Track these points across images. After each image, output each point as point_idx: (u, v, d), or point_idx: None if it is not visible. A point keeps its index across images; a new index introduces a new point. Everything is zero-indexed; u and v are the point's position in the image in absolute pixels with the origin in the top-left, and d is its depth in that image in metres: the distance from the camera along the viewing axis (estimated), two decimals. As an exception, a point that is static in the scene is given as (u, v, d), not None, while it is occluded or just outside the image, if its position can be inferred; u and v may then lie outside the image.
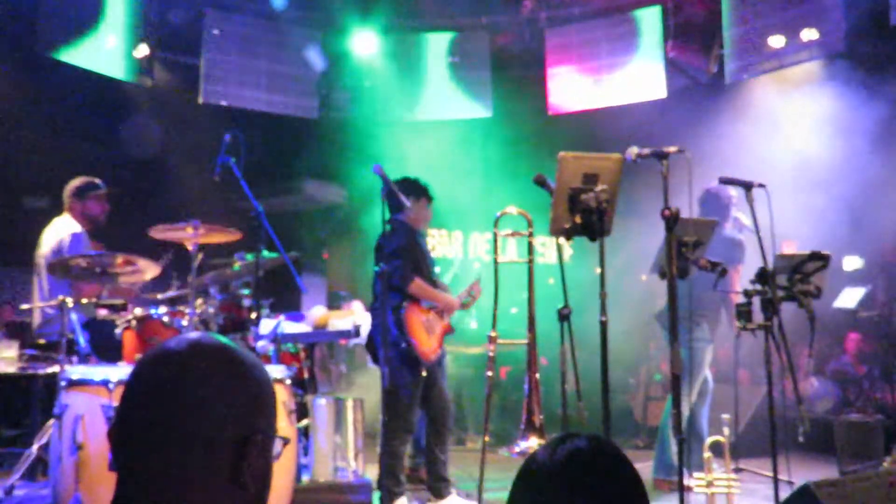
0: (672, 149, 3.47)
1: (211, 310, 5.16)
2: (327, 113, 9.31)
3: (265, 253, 5.42)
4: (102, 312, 5.82)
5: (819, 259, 4.20)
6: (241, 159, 5.19)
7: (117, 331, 5.09)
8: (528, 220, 4.21)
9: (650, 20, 8.49)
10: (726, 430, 4.49)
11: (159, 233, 4.98)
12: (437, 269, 5.47)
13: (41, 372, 5.13)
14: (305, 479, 4.98)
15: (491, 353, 4.07)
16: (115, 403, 3.73)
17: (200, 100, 8.38)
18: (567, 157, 3.54)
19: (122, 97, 8.13)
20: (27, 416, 5.39)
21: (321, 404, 5.13)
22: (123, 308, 5.63)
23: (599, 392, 3.57)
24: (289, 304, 6.07)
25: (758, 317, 4.20)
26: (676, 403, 3.31)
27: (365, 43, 9.07)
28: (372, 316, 5.19)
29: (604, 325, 3.51)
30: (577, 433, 1.42)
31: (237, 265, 5.54)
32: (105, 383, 3.79)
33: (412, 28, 9.23)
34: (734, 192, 5.59)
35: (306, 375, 5.86)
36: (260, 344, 5.19)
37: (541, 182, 3.95)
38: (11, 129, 7.18)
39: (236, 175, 5.19)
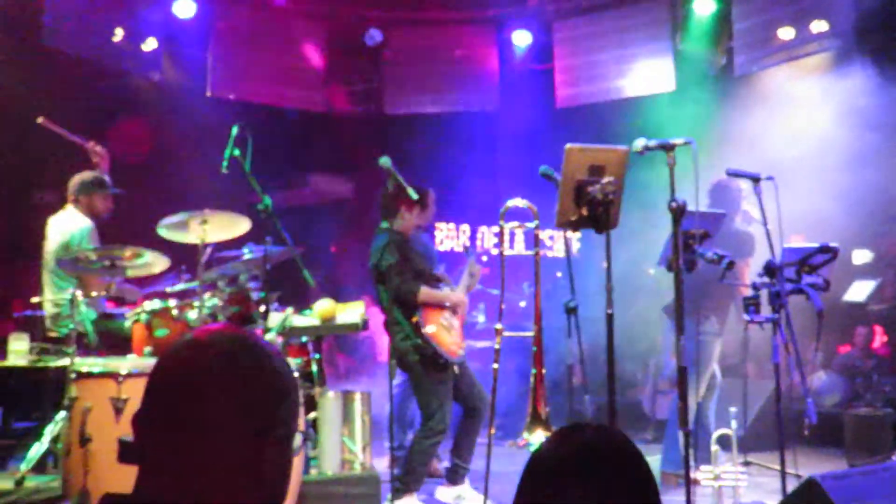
0: (678, 141, 3.46)
1: (219, 303, 5.18)
2: (335, 106, 9.31)
3: (273, 246, 5.43)
4: (112, 306, 5.86)
5: (827, 252, 4.18)
6: (249, 153, 5.20)
7: (126, 324, 5.13)
8: (533, 212, 4.21)
9: (658, 12, 8.46)
10: (733, 424, 4.48)
11: (168, 226, 5.01)
12: (441, 266, 5.45)
13: (52, 365, 5.15)
14: (313, 471, 5.00)
15: (497, 346, 4.07)
16: (124, 396, 3.76)
17: (208, 93, 8.39)
18: (573, 149, 3.53)
19: (129, 91, 8.15)
20: (38, 408, 5.42)
21: (329, 397, 5.15)
22: (133, 301, 5.67)
23: (605, 383, 3.57)
24: (297, 297, 6.07)
25: (765, 310, 4.20)
26: (682, 396, 3.31)
27: (372, 36, 9.06)
28: (385, 325, 5.20)
29: (610, 318, 3.51)
30: (586, 423, 1.42)
31: (245, 258, 5.56)
32: (114, 376, 3.82)
33: (420, 21, 9.22)
34: (744, 185, 5.57)
35: (314, 368, 5.88)
36: (268, 337, 5.20)
37: (547, 175, 3.95)
38: (20, 123, 7.20)
39: (244, 168, 5.20)
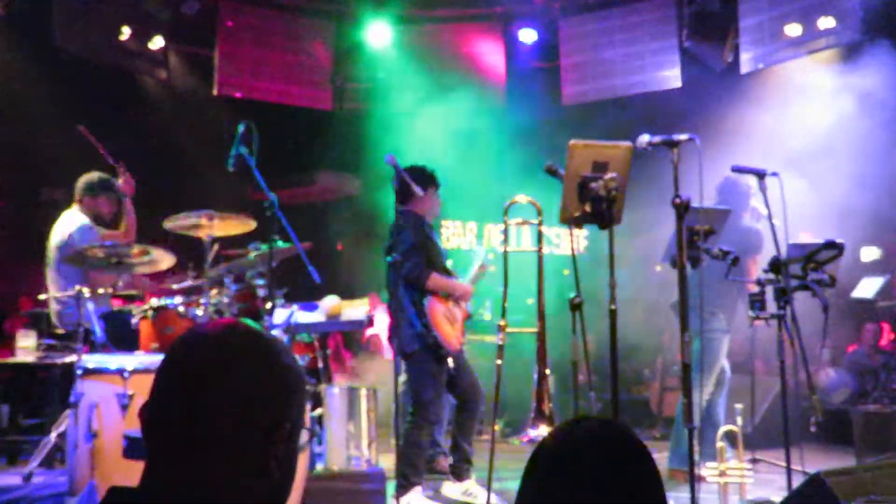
0: (682, 137, 3.46)
1: (226, 300, 5.19)
2: (341, 104, 9.32)
3: (279, 243, 5.45)
4: (118, 302, 5.89)
5: (833, 248, 4.17)
6: (256, 150, 5.21)
7: (133, 320, 5.15)
8: (537, 209, 4.20)
9: (665, 9, 8.44)
10: (739, 420, 4.48)
11: (174, 223, 5.03)
12: (449, 262, 5.47)
13: (59, 361, 5.19)
14: (319, 467, 5.01)
15: (500, 342, 4.07)
16: (130, 391, 3.78)
17: (215, 91, 8.42)
18: (577, 145, 3.53)
19: (136, 89, 8.18)
20: (45, 404, 5.45)
21: (335, 393, 5.16)
22: (140, 298, 5.69)
23: (612, 380, 3.57)
24: (303, 294, 6.09)
25: (771, 306, 4.19)
26: (686, 393, 3.30)
27: (379, 33, 9.06)
28: (390, 309, 5.21)
29: (613, 314, 3.51)
30: (590, 417, 1.42)
31: (252, 255, 5.58)
32: (120, 372, 3.84)
33: (426, 18, 9.21)
34: (752, 182, 5.56)
35: (320, 365, 5.90)
36: (273, 333, 5.21)
37: (552, 171, 3.94)
38: (27, 121, 7.24)
39: (250, 166, 5.21)
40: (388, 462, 5.47)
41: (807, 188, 6.45)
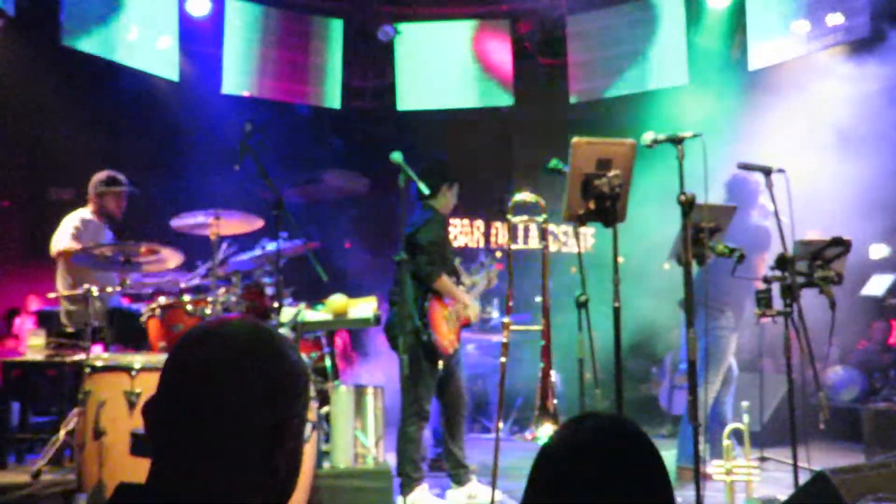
0: (687, 134, 3.45)
1: (234, 298, 5.22)
2: (349, 102, 9.33)
3: (287, 242, 5.47)
4: (127, 301, 5.92)
5: (839, 245, 4.15)
6: (263, 149, 5.23)
7: (142, 319, 5.18)
8: (541, 206, 4.20)
9: (672, 6, 8.41)
10: (746, 418, 4.47)
11: (181, 223, 5.05)
12: (457, 260, 5.49)
13: (68, 359, 5.22)
14: (326, 465, 5.03)
15: (505, 340, 4.07)
16: (138, 389, 3.80)
17: (223, 90, 8.44)
18: (580, 142, 3.53)
19: (144, 89, 8.20)
20: (54, 403, 5.49)
21: (342, 392, 5.17)
22: (148, 297, 5.72)
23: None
24: (310, 292, 6.11)
25: (778, 304, 4.17)
26: (692, 390, 3.30)
27: (386, 32, 9.06)
28: (390, 304, 5.22)
29: (617, 312, 3.51)
30: (597, 413, 1.41)
31: (259, 253, 5.60)
32: (128, 370, 3.85)
33: (434, 16, 9.21)
34: (761, 179, 5.54)
35: (327, 363, 5.92)
36: (280, 331, 5.23)
37: (556, 169, 3.94)
38: (37, 121, 7.28)
39: (258, 165, 5.23)
40: (395, 460, 5.49)
41: (815, 185, 6.42)
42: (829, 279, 4.05)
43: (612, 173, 3.43)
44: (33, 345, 5.35)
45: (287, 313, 5.34)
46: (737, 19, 8.33)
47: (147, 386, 3.85)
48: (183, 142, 8.40)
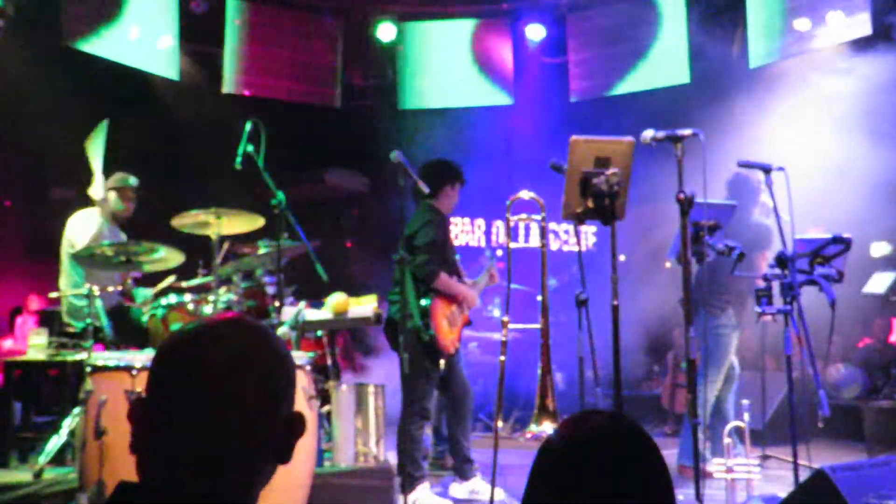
0: (686, 132, 3.46)
1: (235, 297, 5.23)
2: (350, 101, 9.34)
3: (288, 241, 5.47)
4: (129, 300, 5.93)
5: (840, 243, 4.15)
6: (264, 148, 5.23)
7: (143, 318, 5.19)
8: (540, 205, 4.20)
9: (672, 4, 8.40)
10: (746, 416, 4.47)
11: (182, 222, 5.06)
12: (458, 258, 5.50)
13: (69, 359, 5.23)
14: (327, 464, 5.03)
15: (504, 339, 4.08)
16: (139, 388, 3.80)
17: (223, 89, 8.45)
18: (579, 140, 3.53)
19: (145, 87, 8.21)
20: (56, 402, 5.50)
21: (343, 390, 5.18)
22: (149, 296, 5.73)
23: (623, 376, 3.58)
24: (312, 292, 6.12)
25: (778, 302, 4.17)
26: (692, 388, 3.30)
27: (386, 31, 9.08)
28: (389, 302, 5.23)
29: (615, 310, 3.51)
30: (597, 410, 1.41)
31: (260, 253, 5.61)
32: (128, 369, 3.85)
33: (433, 15, 9.22)
34: (762, 177, 5.54)
35: (329, 361, 5.92)
36: (281, 330, 5.24)
37: (557, 168, 3.95)
38: (38, 121, 7.29)
39: (258, 164, 5.23)
40: (396, 459, 5.50)
41: (815, 183, 6.42)
42: (829, 277, 4.05)
43: (610, 171, 3.43)
44: (35, 344, 5.36)
45: (288, 312, 5.34)
46: (737, 17, 8.32)
47: (148, 385, 3.83)
48: (183, 141, 8.40)
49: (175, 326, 4.97)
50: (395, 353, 5.03)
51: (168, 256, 4.98)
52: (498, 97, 9.12)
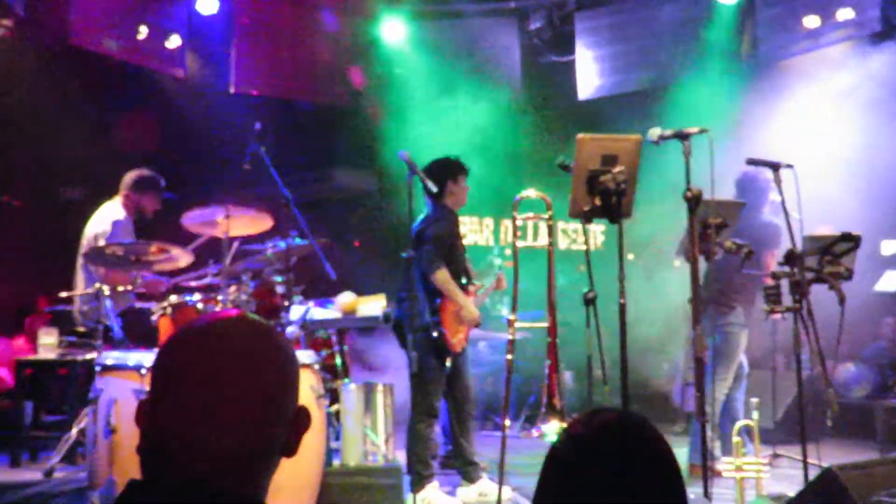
0: (693, 130, 3.45)
1: (244, 296, 5.24)
2: (357, 100, 9.34)
3: (296, 240, 5.49)
4: (139, 300, 5.95)
5: (849, 240, 4.13)
6: (272, 148, 5.25)
7: (153, 318, 5.21)
8: (547, 203, 4.20)
9: (681, 1, 8.38)
10: (755, 415, 4.46)
11: (191, 221, 5.08)
12: (468, 258, 5.50)
13: (80, 358, 5.25)
14: (336, 463, 5.04)
15: (511, 337, 4.08)
16: (147, 387, 3.82)
17: (231, 89, 8.46)
18: (585, 138, 3.53)
19: (153, 88, 8.24)
20: (67, 401, 5.52)
21: (351, 389, 5.18)
22: (160, 296, 5.75)
23: (633, 375, 3.58)
24: (321, 290, 6.13)
25: (787, 300, 4.16)
26: (699, 387, 3.30)
27: (394, 29, 9.08)
28: (398, 300, 5.23)
29: (622, 308, 3.51)
30: (608, 408, 1.41)
31: (269, 252, 5.62)
32: (137, 368, 3.87)
33: (441, 13, 9.21)
34: (771, 176, 5.51)
35: (338, 360, 5.93)
36: (289, 329, 5.26)
37: (565, 166, 3.94)
38: (47, 120, 7.32)
39: (266, 163, 5.25)
40: (405, 457, 5.50)
41: (825, 181, 6.39)
42: (838, 275, 4.03)
43: (617, 169, 3.42)
44: (45, 343, 5.39)
45: (296, 311, 5.35)
46: (746, 15, 8.29)
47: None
48: (192, 141, 8.42)
49: (184, 326, 4.98)
50: (403, 351, 5.03)
51: (178, 256, 5.01)
52: (505, 95, 9.10)
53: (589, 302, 3.85)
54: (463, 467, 5.27)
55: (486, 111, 9.11)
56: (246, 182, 5.63)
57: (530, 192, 4.22)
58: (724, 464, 4.43)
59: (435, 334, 4.95)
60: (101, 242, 5.50)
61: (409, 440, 5.03)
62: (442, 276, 4.98)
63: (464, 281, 5.20)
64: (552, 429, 3.76)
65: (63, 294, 5.65)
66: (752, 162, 4.27)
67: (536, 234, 9.37)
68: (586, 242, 4.09)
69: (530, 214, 4.37)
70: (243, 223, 5.13)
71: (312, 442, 3.98)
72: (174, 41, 8.11)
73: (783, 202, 4.05)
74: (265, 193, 5.99)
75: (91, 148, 7.08)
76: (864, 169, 7.09)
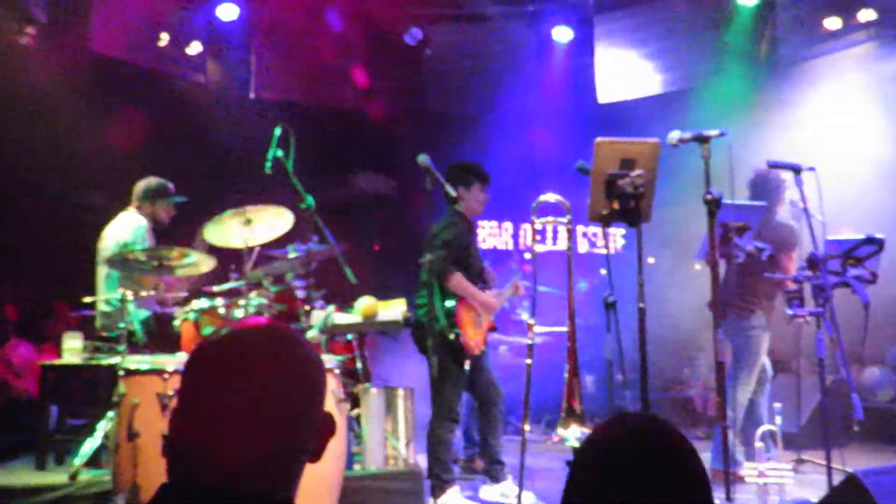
0: (713, 132, 3.43)
1: (265, 301, 5.27)
2: (377, 105, 9.37)
3: (317, 245, 5.51)
4: (161, 305, 5.99)
5: (872, 243, 4.09)
6: (292, 153, 5.26)
7: (175, 322, 5.25)
8: (566, 207, 4.19)
9: (700, 3, 8.34)
10: (779, 419, 4.42)
11: (212, 232, 5.11)
12: (486, 263, 5.49)
13: (104, 363, 5.30)
14: (357, 467, 5.05)
15: (531, 341, 4.07)
16: (170, 392, 3.85)
17: (251, 95, 8.51)
18: (603, 142, 3.52)
19: (174, 94, 8.30)
20: (91, 405, 5.56)
21: (372, 393, 5.20)
22: (183, 301, 5.79)
23: (652, 380, 3.56)
24: (340, 295, 6.14)
25: (811, 304, 4.13)
26: (720, 392, 3.27)
27: (412, 34, 9.10)
28: (416, 306, 5.24)
29: (642, 312, 3.50)
30: (633, 413, 1.41)
31: (290, 257, 5.65)
32: (160, 372, 3.90)
33: (459, 17, 9.22)
34: (786, 176, 5.45)
35: (358, 365, 5.95)
36: (310, 334, 5.28)
37: (584, 170, 3.94)
38: (68, 126, 7.38)
39: (287, 169, 5.27)
40: (426, 462, 5.50)
41: (847, 183, 6.33)
42: (862, 278, 3.99)
43: (635, 173, 3.41)
44: (70, 348, 5.44)
45: (317, 316, 5.37)
46: (766, 16, 8.24)
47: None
48: (213, 146, 8.48)
49: (207, 330, 5.01)
50: (422, 356, 5.03)
51: (199, 261, 5.04)
52: (525, 99, 9.10)
53: (609, 306, 3.84)
54: (489, 465, 5.27)
55: (505, 114, 9.10)
56: (267, 187, 5.66)
57: (549, 196, 4.21)
58: (747, 469, 4.40)
59: (452, 336, 4.96)
60: (123, 248, 5.55)
61: (430, 445, 5.04)
62: (456, 281, 5.00)
63: (479, 286, 5.22)
64: (571, 433, 3.75)
65: (87, 299, 5.71)
66: (773, 165, 4.24)
67: (556, 238, 9.35)
68: (606, 246, 4.08)
69: (550, 218, 4.36)
70: (264, 225, 5.14)
71: (333, 446, 3.98)
72: (195, 48, 8.17)
73: (805, 206, 4.01)
74: (286, 198, 6.03)
75: (111, 154, 7.13)
76: (887, 170, 7.01)
